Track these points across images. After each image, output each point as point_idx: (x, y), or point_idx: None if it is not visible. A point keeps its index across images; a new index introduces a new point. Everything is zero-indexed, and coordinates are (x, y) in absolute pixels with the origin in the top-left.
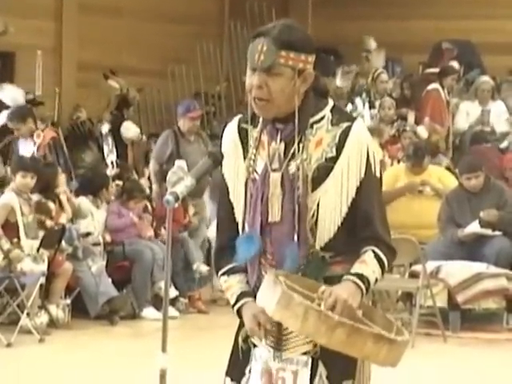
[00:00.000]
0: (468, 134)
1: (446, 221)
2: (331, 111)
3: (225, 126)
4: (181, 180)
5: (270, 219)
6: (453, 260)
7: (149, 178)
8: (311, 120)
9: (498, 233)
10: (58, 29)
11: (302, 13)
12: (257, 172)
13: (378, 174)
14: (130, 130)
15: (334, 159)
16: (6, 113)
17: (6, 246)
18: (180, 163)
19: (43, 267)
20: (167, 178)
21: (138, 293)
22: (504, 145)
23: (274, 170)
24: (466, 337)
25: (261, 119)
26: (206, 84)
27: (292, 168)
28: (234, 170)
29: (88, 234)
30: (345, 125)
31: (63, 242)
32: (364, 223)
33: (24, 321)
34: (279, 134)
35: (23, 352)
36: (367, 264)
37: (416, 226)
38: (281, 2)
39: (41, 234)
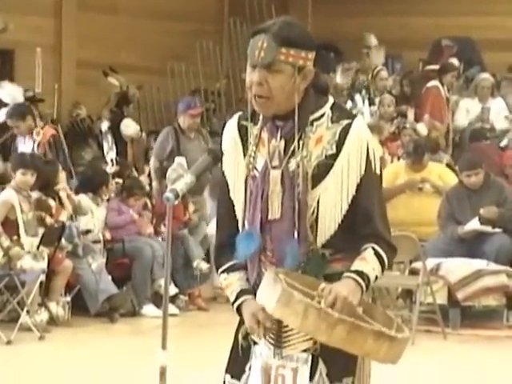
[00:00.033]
0: (468, 131)
1: (446, 218)
2: (331, 108)
3: (224, 124)
4: (180, 177)
5: (269, 216)
6: (453, 257)
7: (149, 176)
8: (311, 117)
9: (497, 230)
10: (58, 26)
11: (302, 9)
12: (257, 169)
13: (378, 171)
14: (129, 127)
15: (334, 156)
16: (4, 110)
17: (6, 243)
18: (180, 160)
19: (43, 265)
20: (167, 175)
21: (137, 290)
22: (504, 142)
23: (274, 168)
24: (466, 334)
25: (261, 116)
26: (206, 81)
27: (292, 165)
28: (233, 168)
29: (88, 232)
30: (345, 122)
31: (63, 240)
32: (364, 220)
33: (24, 318)
34: (279, 131)
35: (23, 349)
36: (367, 261)
37: (416, 223)
38: None
39: (41, 231)
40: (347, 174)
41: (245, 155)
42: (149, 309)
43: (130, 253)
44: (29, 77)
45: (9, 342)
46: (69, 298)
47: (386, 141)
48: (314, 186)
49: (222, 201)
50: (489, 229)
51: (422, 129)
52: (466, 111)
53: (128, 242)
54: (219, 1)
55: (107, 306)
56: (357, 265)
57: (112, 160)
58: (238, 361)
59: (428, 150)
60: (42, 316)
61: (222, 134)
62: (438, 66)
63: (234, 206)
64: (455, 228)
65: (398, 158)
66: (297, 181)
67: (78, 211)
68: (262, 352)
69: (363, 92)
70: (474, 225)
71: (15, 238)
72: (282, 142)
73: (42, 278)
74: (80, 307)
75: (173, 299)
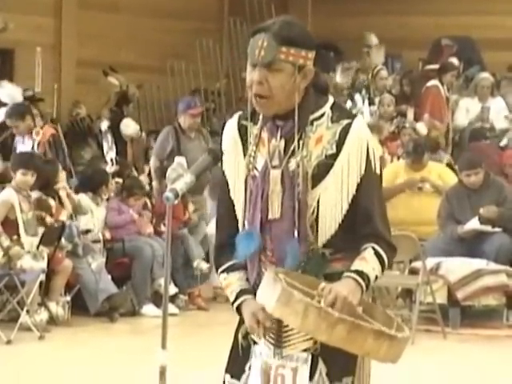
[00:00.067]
0: (468, 131)
1: (446, 217)
2: (331, 108)
3: (224, 123)
4: (180, 177)
5: (269, 216)
6: (453, 256)
7: (148, 175)
8: (311, 117)
9: (497, 229)
10: (58, 25)
11: (302, 9)
12: (257, 169)
13: (378, 171)
14: (129, 126)
15: (334, 156)
16: (3, 110)
17: (6, 242)
18: (179, 160)
19: (43, 264)
20: (167, 175)
21: (137, 290)
22: (503, 141)
23: (274, 167)
24: (465, 333)
25: (261, 116)
26: (206, 80)
27: (292, 165)
28: (234, 167)
29: (88, 231)
30: (345, 122)
31: (63, 239)
32: (364, 220)
33: (24, 318)
34: (279, 130)
35: (23, 349)
36: (367, 261)
37: (416, 223)
38: None
39: (40, 230)
40: (347, 174)
41: (245, 155)
42: (149, 308)
43: (129, 252)
44: (29, 76)
45: (9, 342)
46: (68, 298)
47: (386, 140)
48: (314, 186)
49: (222, 200)
50: (488, 228)
51: (422, 128)
52: (466, 111)
53: (128, 241)
54: (219, 0)
55: (107, 306)
56: (357, 264)
57: (112, 159)
58: (237, 360)
59: (428, 150)
60: (42, 316)
61: (221, 133)
62: (438, 65)
63: (234, 205)
64: (455, 227)
65: (398, 158)
66: (297, 180)
67: (78, 210)
68: (261, 352)
69: (363, 92)
70: (473, 224)
71: (15, 237)
72: (282, 142)
73: (42, 277)
74: (80, 307)
75: (173, 299)
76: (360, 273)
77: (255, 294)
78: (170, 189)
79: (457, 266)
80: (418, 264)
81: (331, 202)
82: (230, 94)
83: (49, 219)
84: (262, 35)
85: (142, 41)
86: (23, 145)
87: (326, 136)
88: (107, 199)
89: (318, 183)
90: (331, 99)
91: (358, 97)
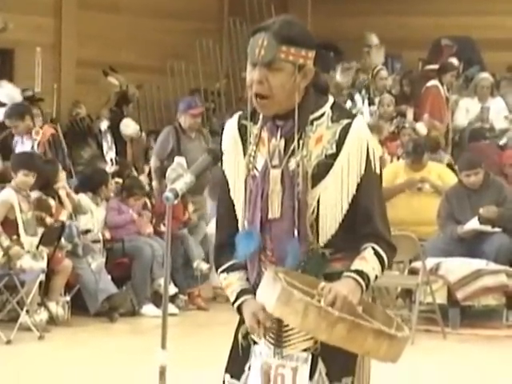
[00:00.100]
0: (467, 131)
1: (446, 217)
2: (331, 108)
3: (224, 123)
4: (180, 177)
5: (269, 216)
6: (452, 257)
7: (148, 175)
8: (311, 117)
9: (497, 229)
10: (58, 25)
11: (302, 9)
12: (257, 169)
13: (378, 171)
14: (129, 127)
15: (334, 156)
16: (3, 110)
17: (6, 242)
18: (179, 160)
19: (43, 264)
20: (166, 175)
21: (137, 290)
22: (503, 141)
23: (274, 167)
24: (465, 333)
25: (261, 116)
26: (206, 81)
27: (292, 165)
28: (234, 167)
29: (87, 232)
30: (345, 122)
31: (63, 239)
32: (364, 220)
33: (23, 318)
34: (279, 130)
35: (23, 349)
36: (367, 261)
37: (415, 223)
38: None
39: (40, 230)
40: (347, 174)
41: (245, 154)
42: (148, 308)
43: (129, 252)
44: (28, 76)
45: (8, 342)
46: (68, 298)
47: (386, 140)
48: (313, 186)
49: (222, 200)
50: (488, 228)
51: (422, 128)
52: (466, 111)
53: (128, 241)
54: (219, 0)
55: (107, 306)
56: (357, 264)
57: (111, 159)
58: (237, 360)
59: (428, 149)
60: (42, 316)
61: (221, 133)
62: (438, 65)
63: (234, 205)
64: (455, 228)
65: (398, 158)
66: (297, 180)
67: (77, 210)
68: (261, 351)
69: (363, 92)
70: (473, 224)
71: (14, 237)
72: (282, 142)
73: (42, 277)
74: (80, 307)
75: (172, 299)
76: (360, 272)
77: (255, 294)
78: (170, 189)
79: (456, 266)
80: (417, 264)
81: (331, 201)
82: (230, 94)
83: (49, 219)
84: (262, 34)
85: (142, 41)
86: (22, 145)
87: (326, 136)
88: (107, 199)
89: (317, 183)
90: (331, 99)
91: (357, 97)
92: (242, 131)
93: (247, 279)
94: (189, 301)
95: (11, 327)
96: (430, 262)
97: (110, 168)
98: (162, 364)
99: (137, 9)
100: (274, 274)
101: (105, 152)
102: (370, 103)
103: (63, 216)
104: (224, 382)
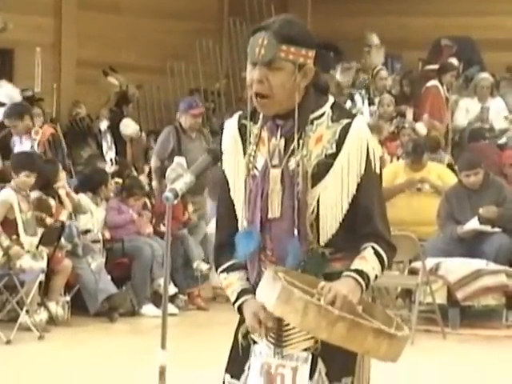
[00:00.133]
0: (467, 131)
1: (446, 217)
2: (331, 108)
3: (223, 123)
4: (180, 177)
5: (269, 215)
6: (452, 257)
7: (148, 175)
8: (311, 116)
9: (497, 229)
10: (57, 25)
11: (302, 9)
12: (257, 168)
13: (378, 171)
14: (129, 127)
15: (334, 155)
16: (1, 110)
17: (6, 242)
18: (179, 160)
19: (42, 264)
20: (166, 175)
21: (137, 290)
22: (503, 141)
23: (274, 166)
24: (465, 333)
25: (261, 115)
26: (206, 81)
27: (292, 164)
28: (234, 167)
29: (87, 232)
30: (345, 121)
31: (63, 239)
32: (364, 220)
33: (23, 318)
34: (279, 130)
35: (23, 349)
36: (367, 260)
37: (415, 223)
38: None
39: (40, 230)
40: (347, 173)
41: (245, 154)
42: (148, 308)
43: (129, 252)
44: (28, 76)
45: (8, 342)
46: (68, 298)
47: (386, 141)
48: (313, 185)
49: (222, 200)
50: (488, 228)
51: (421, 128)
52: (466, 111)
53: (127, 241)
54: (219, 0)
55: (107, 306)
56: (356, 264)
57: (111, 159)
58: (237, 360)
59: (428, 149)
60: (42, 316)
61: (221, 133)
62: (438, 65)
63: (234, 205)
64: (454, 228)
65: (398, 158)
66: (297, 180)
67: (77, 210)
68: (261, 351)
69: (363, 92)
70: (473, 224)
71: (14, 237)
72: (282, 141)
73: (42, 277)
74: (79, 307)
75: (172, 299)
76: (360, 272)
77: (256, 294)
78: (170, 189)
79: (456, 267)
80: (417, 264)
81: (331, 201)
82: (230, 94)
83: (49, 220)
84: (262, 34)
85: (141, 41)
86: (21, 145)
87: (326, 135)
88: (106, 199)
89: (317, 182)
90: (331, 99)
91: (357, 97)
92: (242, 131)
93: (247, 279)
94: (189, 301)
95: (11, 327)
96: (430, 262)
97: (109, 168)
98: (161, 364)
99: (137, 9)
100: (274, 273)
101: (104, 152)
102: (370, 103)
103: (63, 216)
104: (224, 381)
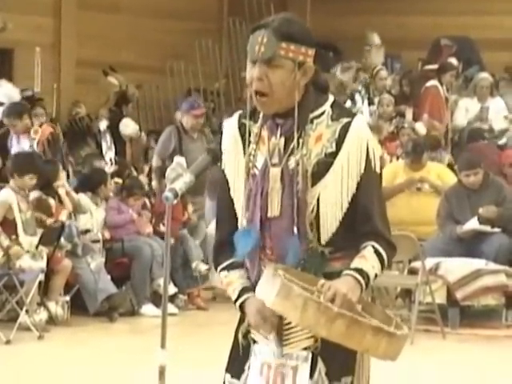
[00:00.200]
0: (467, 131)
1: (445, 217)
2: (331, 106)
3: (221, 123)
4: (180, 176)
5: (269, 214)
6: (452, 257)
7: (148, 175)
8: (311, 115)
9: (497, 229)
10: (57, 25)
11: (301, 8)
12: (257, 167)
13: (377, 170)
14: (128, 126)
15: (334, 154)
16: (0, 109)
17: (6, 242)
18: (179, 160)
19: (42, 264)
20: (166, 175)
21: (137, 289)
22: (502, 141)
23: (274, 165)
24: (465, 333)
25: (261, 114)
26: (205, 80)
27: (292, 163)
28: (234, 166)
29: (87, 231)
30: (345, 120)
31: (62, 239)
32: (364, 219)
33: (23, 318)
34: (279, 128)
35: (22, 349)
36: (367, 259)
37: (415, 223)
38: None
39: (39, 230)
40: (347, 172)
41: (245, 153)
42: (148, 308)
43: (129, 252)
44: (28, 76)
45: (8, 342)
46: (68, 298)
47: (385, 140)
48: (313, 184)
49: (222, 199)
50: (488, 228)
51: (421, 128)
52: (465, 111)
53: (127, 241)
54: (219, 0)
55: (106, 306)
56: (356, 263)
57: (111, 159)
58: (237, 360)
59: (428, 148)
60: (41, 315)
61: (221, 133)
62: (437, 65)
63: (233, 204)
64: (454, 227)
65: (397, 158)
66: (296, 178)
67: (77, 209)
68: (261, 350)
69: (363, 91)
70: (473, 224)
71: (14, 237)
72: (282, 140)
73: (41, 277)
74: (79, 307)
75: (172, 299)
76: (359, 271)
77: None
78: (170, 189)
79: (456, 266)
80: (417, 264)
81: (331, 200)
82: (230, 94)
83: (49, 221)
84: (261, 31)
85: (141, 41)
86: (18, 144)
87: (326, 134)
88: (106, 199)
89: (317, 181)
90: (331, 98)
91: (357, 97)
92: (242, 130)
93: (248, 277)
94: (188, 301)
95: (11, 327)
96: (430, 261)
97: (109, 168)
98: (161, 364)
99: (137, 9)
100: (274, 271)
101: (104, 152)
102: (370, 103)
103: (63, 216)
104: (224, 381)
